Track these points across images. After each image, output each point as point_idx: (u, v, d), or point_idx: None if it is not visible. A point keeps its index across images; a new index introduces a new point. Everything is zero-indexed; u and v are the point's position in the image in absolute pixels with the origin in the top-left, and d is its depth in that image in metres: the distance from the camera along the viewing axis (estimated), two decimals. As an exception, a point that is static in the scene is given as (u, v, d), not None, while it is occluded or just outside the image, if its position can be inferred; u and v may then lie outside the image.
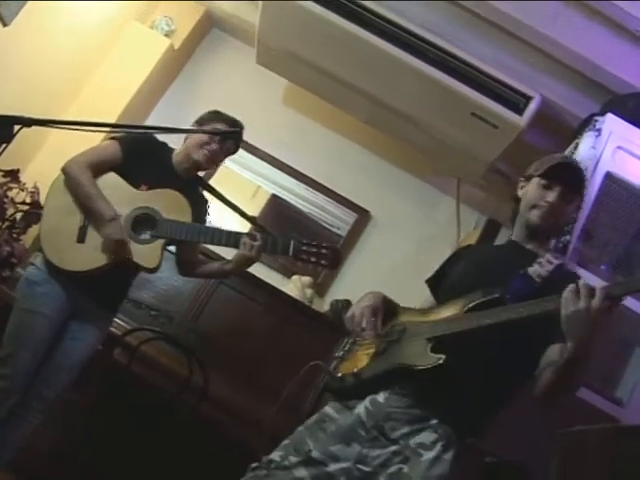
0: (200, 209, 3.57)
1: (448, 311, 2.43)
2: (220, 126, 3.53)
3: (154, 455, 4.01)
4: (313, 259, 3.38)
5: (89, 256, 3.28)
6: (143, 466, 4.02)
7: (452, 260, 2.79)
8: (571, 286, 2.05)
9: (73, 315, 3.37)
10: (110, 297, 3.47)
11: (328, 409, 2.49)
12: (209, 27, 6.02)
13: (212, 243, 3.42)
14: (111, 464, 4.06)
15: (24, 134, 2.36)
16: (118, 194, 3.38)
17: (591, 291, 2.01)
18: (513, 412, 2.44)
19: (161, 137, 3.63)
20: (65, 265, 3.27)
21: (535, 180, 2.59)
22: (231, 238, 3.36)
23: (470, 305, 2.35)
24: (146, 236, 3.35)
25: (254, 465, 2.41)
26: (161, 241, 3.34)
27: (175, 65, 5.85)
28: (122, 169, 3.43)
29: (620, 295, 2.03)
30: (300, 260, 3.40)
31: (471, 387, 2.33)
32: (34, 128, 2.37)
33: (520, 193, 2.65)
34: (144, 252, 3.32)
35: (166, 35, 5.60)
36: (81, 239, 3.30)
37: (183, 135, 3.62)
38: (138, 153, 3.46)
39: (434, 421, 2.31)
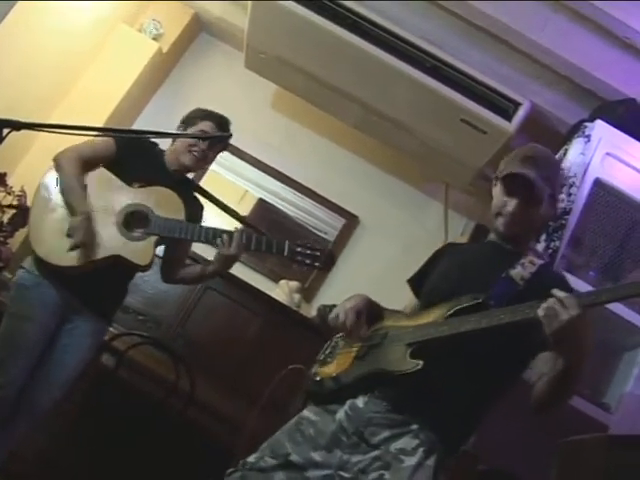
0: (194, 210, 3.54)
1: (430, 316, 2.41)
2: (207, 124, 3.51)
3: (141, 460, 3.99)
4: (308, 261, 3.37)
5: (78, 252, 3.20)
6: (130, 471, 4.00)
7: (433, 260, 2.74)
8: (545, 304, 2.03)
9: (65, 321, 3.32)
10: (103, 301, 3.41)
11: (306, 412, 2.47)
12: (197, 31, 6.01)
13: (205, 242, 3.38)
14: (99, 469, 4.04)
15: (11, 138, 2.34)
16: (110, 190, 3.35)
17: (563, 303, 2.00)
18: (502, 420, 2.43)
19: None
20: (52, 259, 3.21)
21: (498, 184, 2.53)
22: (224, 237, 3.33)
23: (452, 310, 2.33)
24: (138, 233, 3.31)
25: (230, 470, 2.39)
26: (153, 238, 3.30)
27: (163, 69, 5.84)
28: (115, 166, 3.39)
29: (590, 305, 2.01)
30: (295, 262, 3.39)
31: (452, 392, 2.32)
32: (21, 132, 2.35)
33: (493, 193, 2.56)
34: (136, 249, 3.28)
35: (154, 39, 5.59)
36: (70, 234, 3.21)
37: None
38: (131, 151, 3.42)
39: (415, 426, 2.28)
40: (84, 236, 3.15)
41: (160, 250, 3.58)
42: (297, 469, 2.31)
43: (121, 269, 3.32)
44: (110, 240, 3.25)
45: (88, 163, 3.34)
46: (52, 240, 3.23)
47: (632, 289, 2.01)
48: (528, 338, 2.21)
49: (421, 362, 2.25)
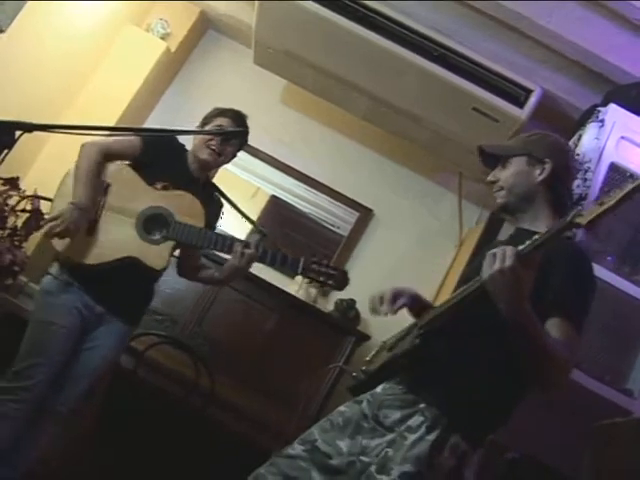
0: (212, 210, 3.53)
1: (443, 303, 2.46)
2: (223, 120, 3.51)
3: (163, 459, 3.99)
4: (322, 278, 3.35)
5: (98, 250, 3.21)
6: (152, 470, 4.01)
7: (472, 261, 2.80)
8: (490, 252, 2.11)
9: (90, 327, 3.31)
10: (127, 304, 3.38)
11: (340, 406, 2.51)
12: (205, 29, 6.00)
13: (222, 251, 3.37)
14: (120, 470, 4.05)
15: (22, 141, 2.33)
16: (133, 190, 3.34)
17: (503, 252, 2.06)
18: (528, 408, 2.42)
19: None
20: (71, 255, 3.21)
21: None
22: (238, 247, 3.32)
23: (462, 288, 2.35)
24: (157, 236, 3.30)
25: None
26: (171, 243, 3.30)
27: (172, 68, 5.84)
28: (139, 165, 3.39)
29: (527, 253, 2.07)
30: (308, 278, 3.38)
31: (458, 369, 2.34)
32: (32, 135, 2.34)
33: None
34: (152, 252, 3.27)
35: (162, 38, 5.58)
36: (90, 232, 3.23)
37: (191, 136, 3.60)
38: (157, 151, 3.41)
39: (422, 405, 2.31)
40: (65, 225, 3.09)
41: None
42: (323, 455, 2.35)
43: (143, 272, 3.30)
44: (127, 241, 3.25)
45: (110, 155, 3.34)
46: (75, 238, 3.19)
47: (558, 226, 2.08)
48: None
49: (418, 340, 2.31)
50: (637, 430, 2.59)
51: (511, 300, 2.10)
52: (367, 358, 2.70)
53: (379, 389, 2.45)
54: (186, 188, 3.39)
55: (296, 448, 2.39)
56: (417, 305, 2.61)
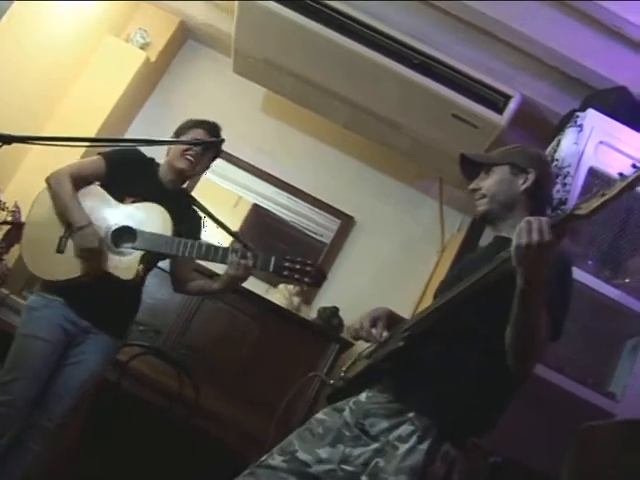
0: (191, 225, 3.56)
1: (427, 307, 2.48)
2: (198, 132, 3.53)
3: (148, 469, 3.98)
4: (296, 276, 3.35)
5: (67, 265, 3.26)
6: (137, 481, 4.00)
7: (450, 270, 2.82)
8: (525, 219, 2.09)
9: (75, 339, 3.33)
10: (110, 319, 3.40)
11: (318, 414, 2.52)
12: (184, 38, 6.00)
13: (192, 257, 3.37)
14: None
15: (2, 153, 2.32)
16: (101, 207, 3.38)
17: (541, 224, 2.04)
18: (512, 412, 2.43)
19: (145, 151, 3.61)
20: (42, 274, 3.31)
21: None
22: (215, 253, 3.32)
23: (445, 297, 2.38)
24: (124, 248, 3.32)
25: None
26: (139, 253, 3.31)
27: (152, 78, 5.83)
28: (107, 183, 3.44)
29: (559, 225, 2.07)
30: (282, 277, 3.38)
31: (445, 375, 2.35)
32: (12, 147, 2.33)
33: None
34: (120, 264, 3.29)
35: (141, 48, 5.57)
36: (61, 249, 3.29)
37: (165, 148, 3.60)
38: (123, 168, 3.45)
39: (411, 414, 2.31)
40: (94, 243, 3.21)
41: (166, 265, 3.65)
42: (302, 465, 2.34)
43: (121, 285, 3.30)
44: None
45: (79, 180, 3.38)
46: (44, 256, 3.31)
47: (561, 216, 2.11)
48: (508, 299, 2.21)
49: (402, 342, 2.31)
50: (617, 433, 2.60)
51: (536, 271, 2.10)
52: (343, 368, 2.71)
53: (362, 397, 2.44)
54: (157, 201, 3.41)
55: (276, 458, 2.38)
56: (393, 323, 2.62)
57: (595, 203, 1.99)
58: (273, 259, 3.32)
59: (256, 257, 3.31)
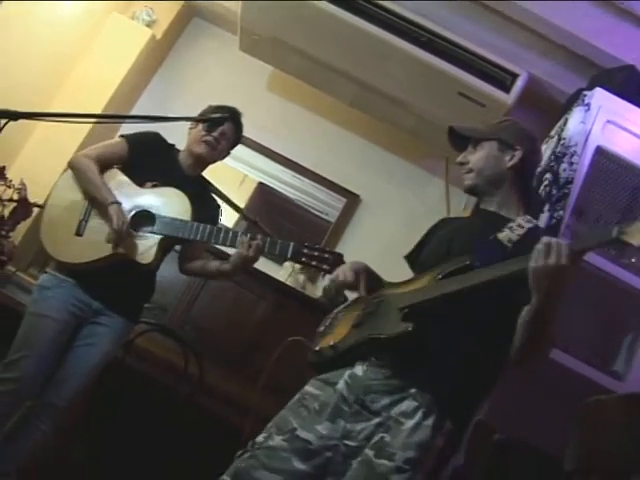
0: (208, 211, 3.53)
1: (422, 281, 2.47)
2: (226, 128, 3.53)
3: (152, 447, 3.99)
4: (314, 263, 3.33)
5: (86, 248, 3.25)
6: (141, 458, 4.01)
7: (428, 234, 2.81)
8: (544, 239, 2.08)
9: (86, 321, 3.31)
10: (124, 301, 3.39)
11: (308, 387, 2.50)
12: (190, 16, 5.98)
13: (211, 242, 3.37)
14: (109, 458, 4.04)
15: (8, 130, 2.32)
16: (121, 191, 3.34)
17: (560, 248, 2.04)
18: (516, 391, 2.45)
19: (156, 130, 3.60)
20: (60, 257, 3.26)
21: None
22: (230, 237, 3.32)
23: (441, 274, 2.38)
24: (144, 232, 3.31)
25: (239, 452, 2.42)
26: (158, 238, 3.30)
27: (157, 55, 5.81)
28: (128, 167, 3.42)
29: (580, 250, 2.08)
30: (300, 263, 3.37)
31: (447, 354, 2.36)
32: (18, 124, 2.33)
33: None
34: (140, 248, 3.29)
35: (147, 26, 5.56)
36: (79, 232, 3.27)
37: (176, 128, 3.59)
38: (145, 152, 3.44)
39: (413, 390, 2.32)
40: (120, 222, 3.19)
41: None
42: (303, 442, 2.34)
43: (136, 268, 3.30)
44: None
45: (103, 163, 3.36)
46: (63, 238, 3.28)
47: (598, 240, 2.07)
48: (517, 296, 2.24)
49: (411, 324, 2.29)
50: (622, 407, 2.61)
51: (553, 295, 2.13)
52: (320, 329, 2.74)
53: (359, 371, 2.42)
54: (177, 186, 3.40)
55: (275, 438, 2.37)
56: (371, 279, 2.68)
57: None
58: (291, 246, 3.29)
59: (274, 243, 3.30)
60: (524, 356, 2.32)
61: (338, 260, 3.35)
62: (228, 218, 5.33)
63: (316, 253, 3.31)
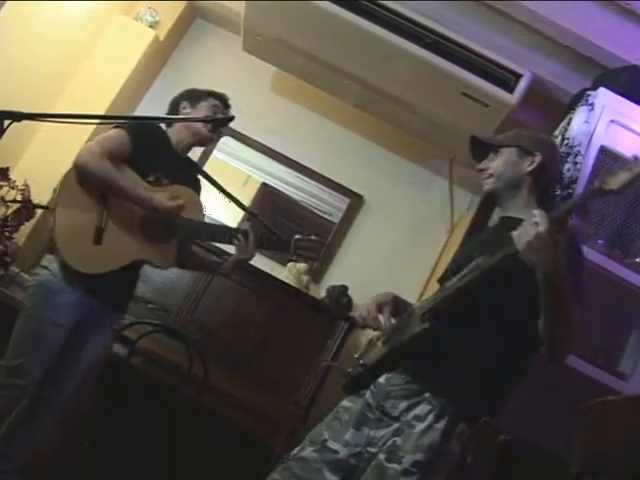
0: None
1: (442, 288, 2.54)
2: (213, 102, 3.60)
3: (156, 448, 4.00)
4: (307, 253, 3.41)
5: (106, 258, 3.19)
6: (146, 459, 4.01)
7: (456, 255, 2.84)
8: (522, 224, 2.19)
9: (86, 318, 3.27)
10: (124, 298, 3.44)
11: (343, 402, 2.57)
12: (193, 17, 5.98)
13: (220, 242, 3.42)
14: (113, 458, 4.05)
15: (12, 131, 2.32)
16: None
17: (535, 220, 2.13)
18: (522, 391, 2.45)
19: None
20: (83, 268, 3.15)
21: None
22: (228, 236, 3.37)
23: (460, 276, 2.43)
24: (161, 236, 3.29)
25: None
26: (175, 241, 3.32)
27: (161, 56, 5.81)
28: (130, 159, 3.29)
29: (558, 217, 2.19)
30: (298, 255, 3.42)
31: (462, 356, 2.40)
32: (21, 125, 2.32)
33: None
34: (160, 251, 3.30)
35: (151, 26, 5.56)
36: (98, 240, 3.17)
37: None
38: (145, 143, 3.32)
39: (428, 394, 2.36)
40: (171, 203, 3.23)
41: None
42: (332, 452, 2.40)
43: (136, 266, 3.33)
44: (133, 244, 3.25)
45: (113, 160, 3.21)
46: (82, 249, 3.17)
47: (582, 196, 2.30)
48: (532, 298, 2.27)
49: (427, 323, 2.35)
50: (628, 408, 2.62)
51: (551, 263, 2.17)
52: (357, 354, 2.74)
53: (382, 379, 2.48)
54: (177, 175, 3.40)
55: (306, 449, 2.44)
56: (398, 307, 2.67)
57: (624, 177, 2.03)
58: (293, 240, 3.39)
59: (273, 240, 3.41)
60: (554, 348, 2.36)
61: (322, 246, 3.49)
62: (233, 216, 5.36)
63: (312, 244, 3.42)
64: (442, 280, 2.76)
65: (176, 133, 3.51)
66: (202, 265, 3.65)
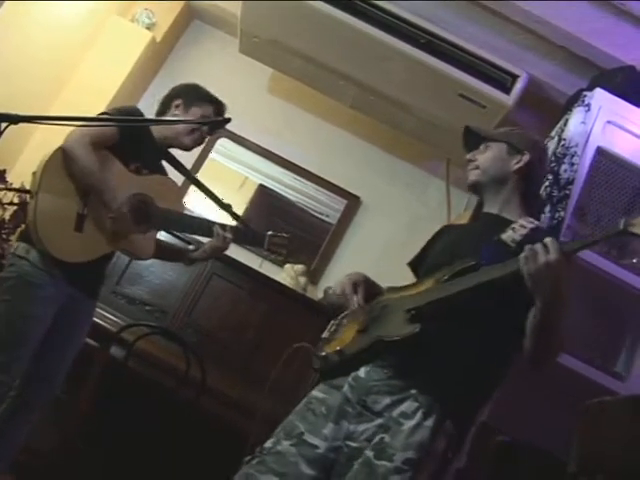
0: None
1: (426, 284, 2.51)
2: (208, 110, 3.52)
3: (154, 450, 3.99)
4: (278, 249, 3.50)
5: (87, 246, 3.16)
6: (144, 462, 4.01)
7: (431, 241, 2.84)
8: (527, 246, 2.17)
9: (66, 308, 3.23)
10: (98, 285, 3.44)
11: (314, 392, 2.52)
12: (190, 18, 5.98)
13: (198, 234, 3.44)
14: (111, 461, 4.05)
15: (9, 133, 2.31)
16: (120, 181, 3.26)
17: (546, 247, 2.13)
18: (519, 392, 2.46)
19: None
20: (63, 256, 3.10)
21: None
22: (207, 229, 3.41)
23: (447, 276, 2.42)
24: (141, 226, 3.28)
25: (248, 458, 2.43)
26: (154, 231, 3.33)
27: (158, 58, 5.82)
28: (114, 146, 3.27)
29: (570, 251, 2.18)
30: (269, 251, 3.52)
31: (449, 355, 2.39)
32: (18, 127, 2.32)
33: None
34: (139, 242, 3.29)
35: (147, 28, 5.56)
36: (79, 228, 3.12)
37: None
38: (129, 131, 3.30)
39: (414, 391, 2.34)
40: (127, 229, 3.21)
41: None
42: (310, 447, 2.36)
43: (110, 255, 3.36)
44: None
45: (98, 148, 3.19)
46: (63, 236, 3.12)
47: (604, 234, 2.22)
48: (521, 297, 2.27)
49: (418, 325, 2.32)
50: (624, 408, 2.63)
51: (554, 293, 2.17)
52: (325, 335, 2.74)
53: (362, 373, 2.44)
54: (156, 161, 3.45)
55: (282, 443, 2.39)
56: (371, 289, 2.72)
57: None
58: (267, 236, 3.49)
59: (249, 234, 3.50)
60: (536, 361, 2.36)
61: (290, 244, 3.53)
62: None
63: (285, 242, 3.51)
64: (413, 265, 2.86)
65: (160, 129, 3.49)
66: (175, 254, 3.63)
